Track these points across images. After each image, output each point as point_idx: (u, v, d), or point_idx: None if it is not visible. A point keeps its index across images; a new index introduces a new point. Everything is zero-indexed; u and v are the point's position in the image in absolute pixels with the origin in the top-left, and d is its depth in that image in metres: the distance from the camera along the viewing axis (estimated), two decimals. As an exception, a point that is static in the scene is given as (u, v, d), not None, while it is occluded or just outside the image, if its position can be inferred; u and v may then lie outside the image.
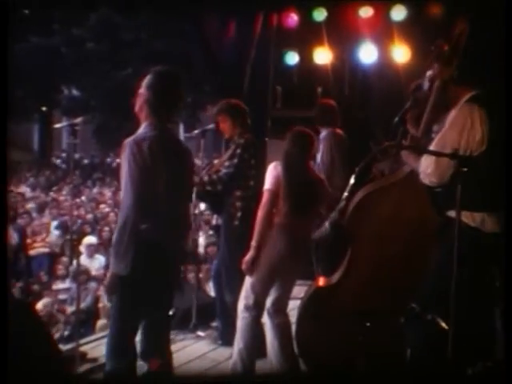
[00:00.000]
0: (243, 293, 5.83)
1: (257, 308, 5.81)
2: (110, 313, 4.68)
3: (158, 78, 4.72)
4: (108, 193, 21.66)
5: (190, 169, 5.01)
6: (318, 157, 8.31)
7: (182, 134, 32.69)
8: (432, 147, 4.38)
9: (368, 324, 4.63)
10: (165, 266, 4.67)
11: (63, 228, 16.38)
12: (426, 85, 4.77)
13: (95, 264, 13.89)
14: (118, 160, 35.79)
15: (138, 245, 4.54)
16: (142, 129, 4.67)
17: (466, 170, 3.88)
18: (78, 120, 5.99)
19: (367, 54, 9.78)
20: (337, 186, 8.13)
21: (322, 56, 10.10)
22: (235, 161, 6.54)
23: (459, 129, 4.34)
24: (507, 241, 4.14)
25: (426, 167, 4.38)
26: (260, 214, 5.68)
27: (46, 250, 15.93)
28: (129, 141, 4.57)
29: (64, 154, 41.08)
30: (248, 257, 5.69)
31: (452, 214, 4.29)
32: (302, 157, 5.78)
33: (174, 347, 6.79)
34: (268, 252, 5.65)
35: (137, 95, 4.76)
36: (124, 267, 4.54)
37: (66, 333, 11.26)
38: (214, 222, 13.89)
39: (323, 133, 8.25)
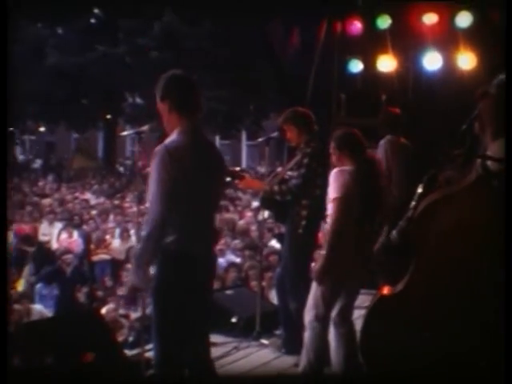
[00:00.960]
0: (311, 303, 5.79)
1: (327, 318, 5.79)
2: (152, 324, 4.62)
3: (171, 83, 4.64)
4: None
5: (221, 175, 4.91)
6: None
7: (244, 142, 32.84)
8: None
9: (435, 334, 4.56)
10: (196, 276, 4.57)
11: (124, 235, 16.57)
12: (493, 91, 4.71)
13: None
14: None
15: (167, 256, 4.48)
16: (175, 136, 4.55)
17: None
18: (145, 128, 6.02)
19: (432, 61, 9.70)
20: (394, 194, 8.10)
21: (386, 63, 10.05)
22: (303, 171, 6.50)
23: None
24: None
25: None
26: (332, 223, 5.60)
27: (108, 256, 16.14)
28: (160, 149, 4.45)
29: (128, 161, 41.56)
30: (319, 266, 5.65)
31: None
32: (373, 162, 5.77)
33: (237, 355, 6.87)
34: (338, 261, 5.61)
35: (159, 112, 4.65)
36: (144, 281, 4.49)
37: (131, 338, 11.38)
38: (276, 230, 13.91)
39: (381, 141, 8.24)
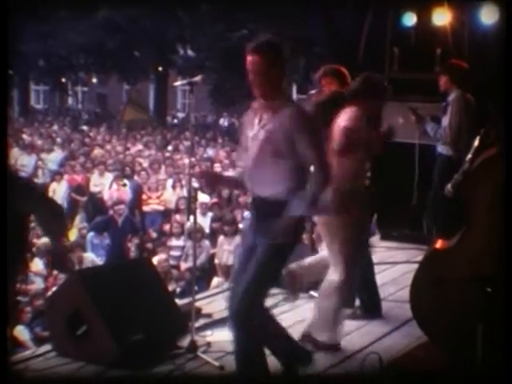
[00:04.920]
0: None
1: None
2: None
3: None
4: (222, 153, 21.89)
5: None
6: (445, 120, 8.20)
7: (295, 95, 32.65)
8: None
9: (488, 290, 4.55)
10: None
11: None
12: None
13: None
14: (233, 120, 36.13)
15: None
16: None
17: None
18: (198, 78, 5.99)
19: (488, 14, 9.52)
20: (463, 149, 8.05)
21: (441, 17, 9.89)
22: None
23: None
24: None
25: None
26: None
27: (161, 207, 16.28)
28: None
29: (179, 114, 41.68)
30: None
31: None
32: None
33: (286, 307, 6.91)
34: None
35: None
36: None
37: (179, 289, 11.53)
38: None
39: (452, 95, 8.17)
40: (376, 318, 6.62)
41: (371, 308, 6.68)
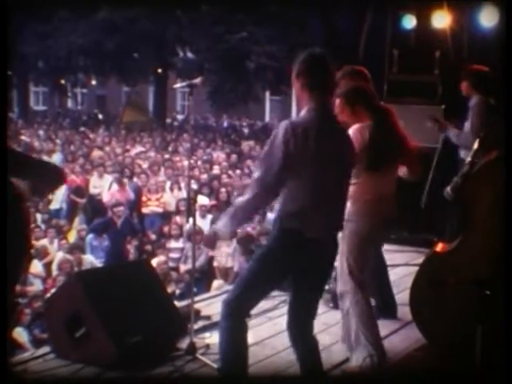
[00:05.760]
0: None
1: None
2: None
3: (307, 61, 4.54)
4: (222, 155, 21.87)
5: (347, 160, 4.64)
6: (467, 125, 8.16)
7: (294, 98, 32.77)
8: None
9: (487, 292, 4.55)
10: (305, 257, 4.46)
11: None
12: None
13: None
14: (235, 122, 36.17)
15: (281, 229, 4.44)
16: (303, 113, 4.50)
17: None
18: (197, 80, 5.97)
19: (488, 17, 9.53)
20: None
21: (441, 19, 9.90)
22: None
23: None
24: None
25: None
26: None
27: (160, 209, 16.27)
28: (284, 123, 4.41)
29: (178, 116, 41.71)
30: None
31: None
32: None
33: (285, 309, 6.89)
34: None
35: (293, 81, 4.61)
36: (226, 233, 4.60)
37: (178, 291, 11.53)
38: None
39: (473, 100, 8.11)
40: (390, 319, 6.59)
41: (385, 309, 6.67)
